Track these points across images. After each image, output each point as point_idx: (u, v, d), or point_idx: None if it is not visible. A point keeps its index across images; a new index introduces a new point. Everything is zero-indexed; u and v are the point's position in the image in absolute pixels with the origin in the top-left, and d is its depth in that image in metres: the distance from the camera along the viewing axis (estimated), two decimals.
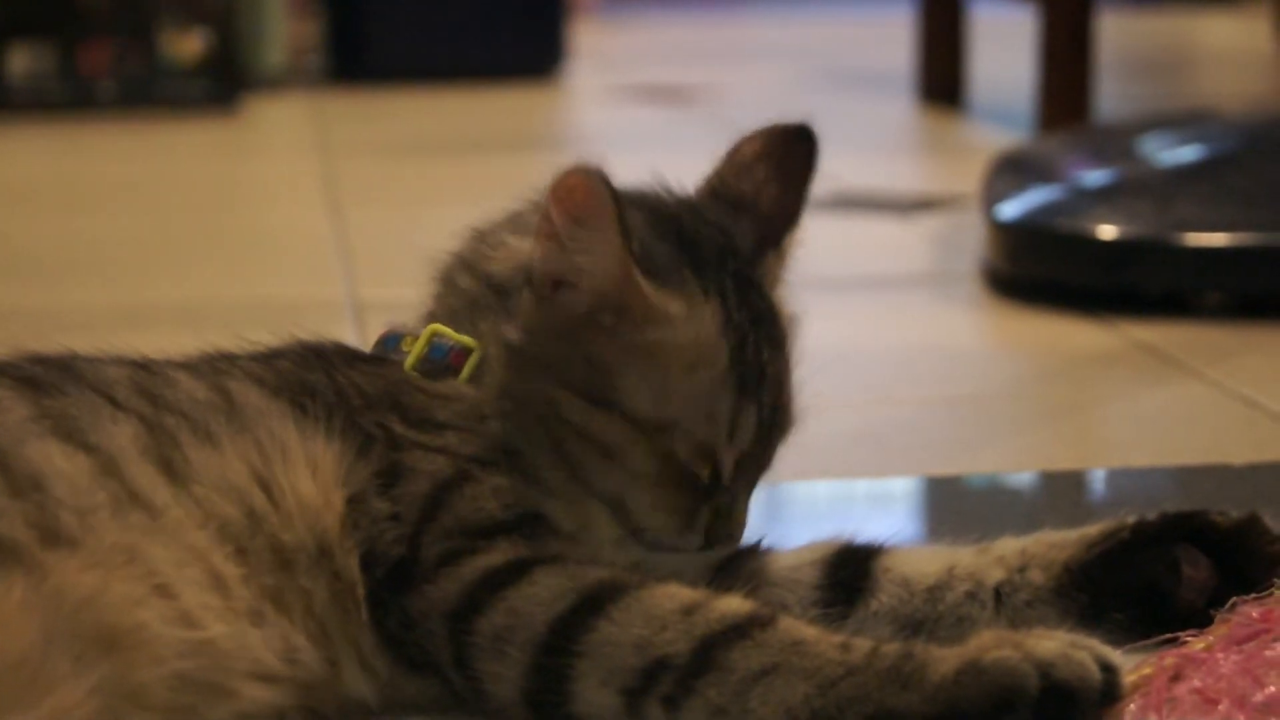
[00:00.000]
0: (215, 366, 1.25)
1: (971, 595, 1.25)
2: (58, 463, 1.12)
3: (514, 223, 1.30)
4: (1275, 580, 1.24)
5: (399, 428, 1.21)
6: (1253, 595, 1.23)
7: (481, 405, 1.24)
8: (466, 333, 1.27)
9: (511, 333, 1.24)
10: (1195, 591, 1.24)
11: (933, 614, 1.25)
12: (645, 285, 1.21)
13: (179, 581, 1.10)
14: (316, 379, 1.24)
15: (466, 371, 1.26)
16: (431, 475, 1.19)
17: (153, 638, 1.08)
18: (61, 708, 1.03)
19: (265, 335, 1.30)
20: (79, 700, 1.04)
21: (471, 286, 1.28)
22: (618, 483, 1.22)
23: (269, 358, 1.27)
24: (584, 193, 1.19)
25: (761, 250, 1.30)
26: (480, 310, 1.27)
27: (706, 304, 1.23)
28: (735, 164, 1.33)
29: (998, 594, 1.25)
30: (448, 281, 1.30)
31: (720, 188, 1.33)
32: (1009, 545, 1.28)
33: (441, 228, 1.36)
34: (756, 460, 1.26)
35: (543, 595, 1.13)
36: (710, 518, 1.24)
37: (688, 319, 1.22)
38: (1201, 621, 1.22)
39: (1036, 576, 1.25)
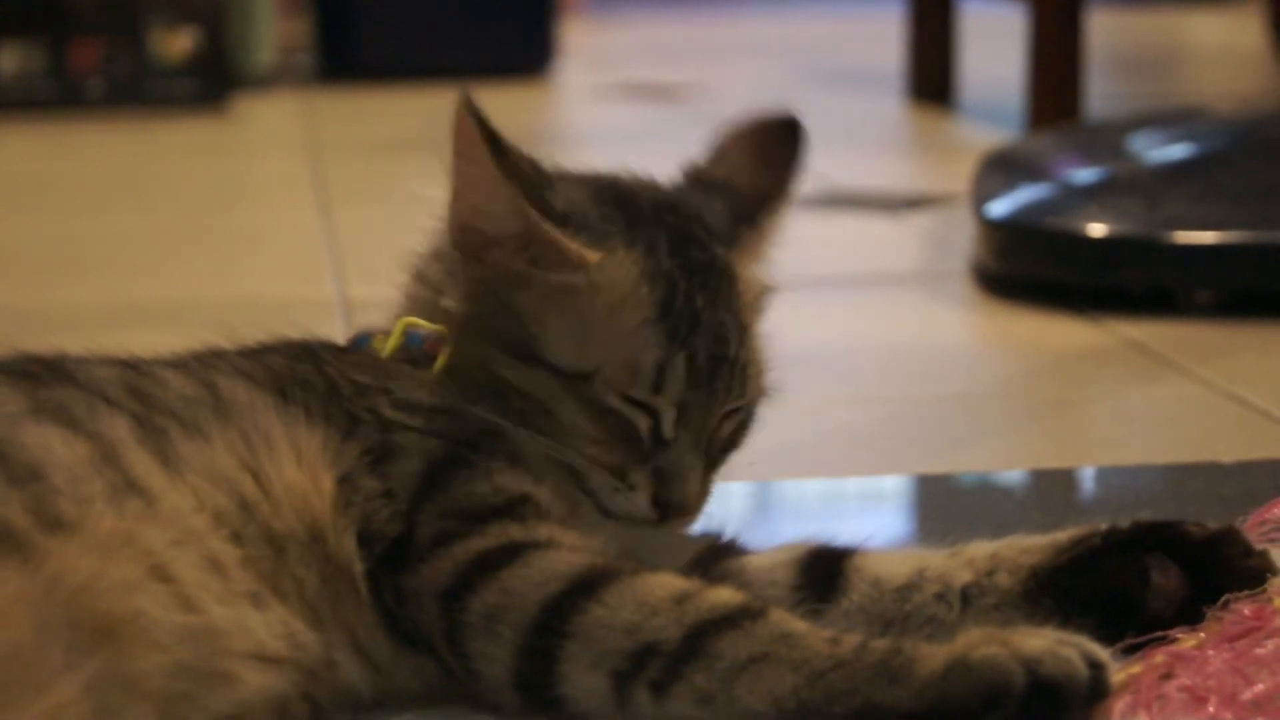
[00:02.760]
0: (203, 363, 1.26)
1: (940, 597, 1.25)
2: (56, 449, 1.13)
3: None
4: (1269, 578, 1.24)
5: (388, 411, 1.22)
6: (1245, 593, 1.23)
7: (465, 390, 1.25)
8: (433, 320, 1.28)
9: (448, 301, 1.27)
10: (1164, 600, 1.23)
11: (900, 613, 1.25)
12: (545, 222, 1.22)
13: (176, 563, 1.10)
14: (305, 371, 1.24)
15: (443, 359, 1.27)
16: (424, 454, 1.20)
17: (150, 624, 1.07)
18: (56, 705, 1.03)
19: (255, 333, 1.30)
20: (74, 697, 1.03)
21: (437, 274, 1.30)
22: (561, 441, 1.23)
23: (258, 353, 1.27)
24: (458, 127, 1.22)
25: (735, 225, 1.31)
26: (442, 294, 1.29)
27: (628, 252, 1.24)
28: (713, 152, 1.36)
29: (965, 596, 1.25)
30: (419, 274, 1.32)
31: (694, 174, 1.35)
32: (980, 548, 1.28)
33: (431, 226, 1.37)
34: (704, 417, 1.24)
35: (535, 576, 1.13)
36: (654, 481, 1.23)
37: (605, 264, 1.23)
38: (1193, 619, 1.22)
39: (1004, 580, 1.25)
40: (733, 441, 1.29)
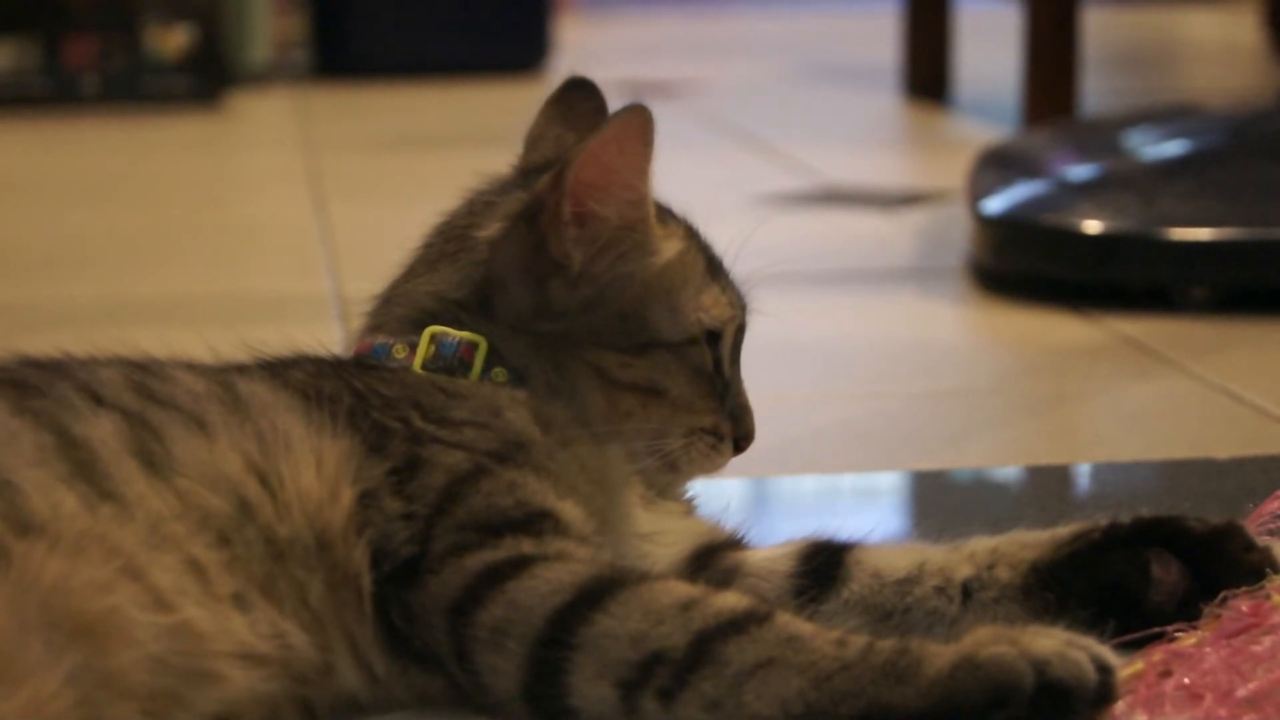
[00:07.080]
0: (223, 368, 1.25)
1: (940, 590, 1.25)
2: (30, 453, 1.12)
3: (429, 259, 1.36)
4: (1267, 573, 1.24)
5: (419, 422, 1.22)
6: (1244, 589, 1.23)
7: (496, 399, 1.25)
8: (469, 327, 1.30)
9: (544, 323, 1.30)
10: (1165, 594, 1.23)
11: (901, 605, 1.25)
12: (654, 213, 1.33)
13: (150, 565, 1.10)
14: (331, 385, 1.24)
15: (478, 365, 1.29)
16: (448, 469, 1.20)
17: (125, 622, 1.07)
18: (37, 698, 1.02)
19: (249, 329, 1.30)
20: (55, 690, 1.03)
21: (526, 296, 1.31)
22: (663, 418, 1.31)
23: (281, 367, 1.27)
24: (635, 124, 1.30)
25: None
26: (467, 307, 1.31)
27: (675, 219, 1.36)
28: (528, 144, 1.44)
29: (965, 590, 1.25)
30: (396, 297, 1.35)
31: (524, 168, 1.41)
32: (980, 543, 1.28)
33: (426, 223, 1.37)
34: (738, 344, 1.36)
35: (542, 589, 1.13)
36: (731, 424, 1.34)
37: (670, 236, 1.34)
38: (1194, 615, 1.22)
39: (1004, 574, 1.25)
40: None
